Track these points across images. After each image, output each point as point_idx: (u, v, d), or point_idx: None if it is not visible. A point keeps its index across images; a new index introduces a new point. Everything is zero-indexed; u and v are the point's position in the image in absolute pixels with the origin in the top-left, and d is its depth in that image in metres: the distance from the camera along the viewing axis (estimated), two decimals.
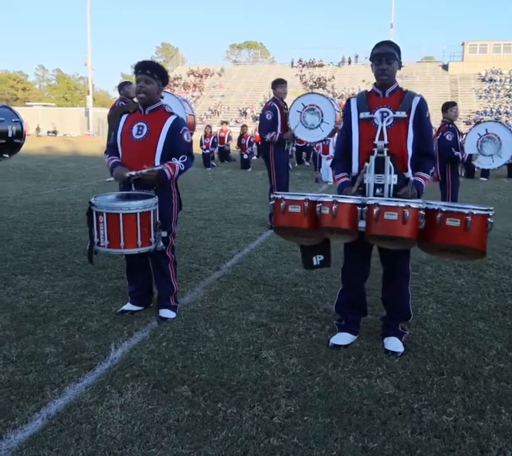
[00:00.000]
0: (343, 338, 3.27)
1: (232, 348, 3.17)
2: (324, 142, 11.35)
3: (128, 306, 3.71)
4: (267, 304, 3.92)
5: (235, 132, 18.82)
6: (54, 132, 41.12)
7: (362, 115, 3.14)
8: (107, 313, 3.68)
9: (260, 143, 7.49)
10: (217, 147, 16.72)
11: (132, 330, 3.40)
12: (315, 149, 13.23)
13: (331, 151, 11.75)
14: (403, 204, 2.78)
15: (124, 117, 3.55)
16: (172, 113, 3.49)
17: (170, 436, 2.30)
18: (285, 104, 6.79)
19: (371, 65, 3.15)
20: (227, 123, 19.47)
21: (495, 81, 46.49)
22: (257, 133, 17.28)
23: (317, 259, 3.33)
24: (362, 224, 2.89)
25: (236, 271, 4.76)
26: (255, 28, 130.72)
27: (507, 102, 42.94)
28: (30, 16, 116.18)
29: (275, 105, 6.64)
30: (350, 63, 54.29)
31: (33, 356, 3.00)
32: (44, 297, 3.97)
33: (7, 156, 3.91)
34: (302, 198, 3.00)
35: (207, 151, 15.51)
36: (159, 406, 2.53)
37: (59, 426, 2.36)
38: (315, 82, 48.47)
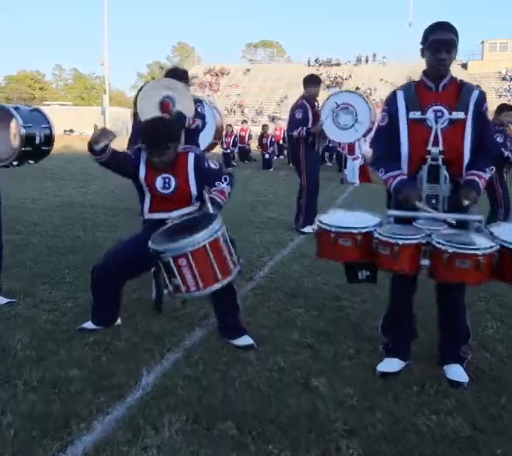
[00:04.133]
0: (391, 365, 2.88)
1: (276, 374, 2.83)
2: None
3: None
4: (309, 320, 3.57)
5: (252, 132, 18.52)
6: (71, 131, 41.09)
7: (412, 115, 2.73)
8: (134, 329, 3.36)
9: (287, 143, 7.12)
10: (237, 147, 16.38)
11: (163, 350, 3.07)
12: (339, 149, 12.84)
13: (357, 152, 11.37)
14: (478, 252, 2.39)
15: (143, 161, 3.16)
16: (187, 151, 3.22)
17: None
18: (316, 101, 6.44)
19: (422, 50, 2.70)
20: (247, 122, 19.08)
21: None
22: (278, 132, 17.01)
23: (362, 274, 2.96)
24: (425, 262, 2.54)
25: (270, 281, 4.41)
26: (271, 27, 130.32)
27: None
28: (47, 16, 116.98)
29: (306, 103, 6.28)
30: (367, 61, 53.73)
31: (57, 382, 2.69)
32: (66, 310, 3.66)
33: (32, 162, 3.56)
34: (355, 231, 2.63)
35: (228, 150, 15.17)
36: (201, 448, 2.19)
37: None
38: (331, 81, 47.97)
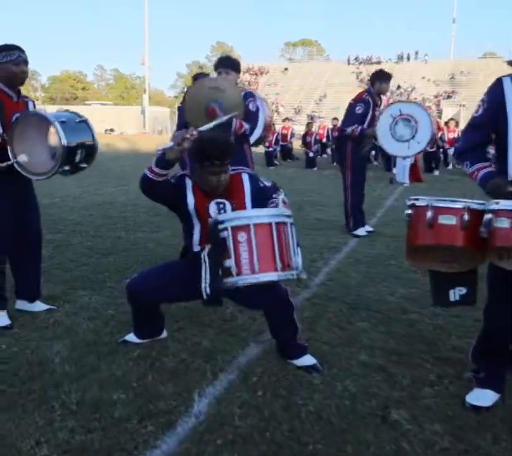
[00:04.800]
0: (483, 397, 2.43)
1: (348, 402, 2.44)
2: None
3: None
4: (377, 337, 3.16)
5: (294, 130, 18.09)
6: (111, 130, 41.50)
7: None
8: (182, 343, 3.03)
9: (334, 139, 6.62)
10: (280, 145, 15.98)
11: (216, 370, 2.72)
12: None
13: None
14: None
15: (189, 189, 2.74)
16: (240, 172, 2.83)
17: None
18: (381, 100, 5.99)
19: None
20: (289, 119, 18.66)
21: None
22: (321, 131, 16.55)
23: (456, 294, 2.48)
24: None
25: (328, 290, 4.02)
26: (311, 26, 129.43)
27: None
28: (89, 17, 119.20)
29: (370, 99, 5.83)
30: (409, 59, 52.58)
31: (98, 405, 2.37)
32: (107, 318, 3.35)
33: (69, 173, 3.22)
34: (460, 205, 2.21)
35: (270, 149, 14.77)
36: None
37: None
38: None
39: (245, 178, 2.81)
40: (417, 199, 2.34)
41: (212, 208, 2.71)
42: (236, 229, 2.33)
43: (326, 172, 13.66)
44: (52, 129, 2.95)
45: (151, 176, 2.67)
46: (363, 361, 2.84)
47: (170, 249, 5.06)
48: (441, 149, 13.63)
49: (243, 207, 2.74)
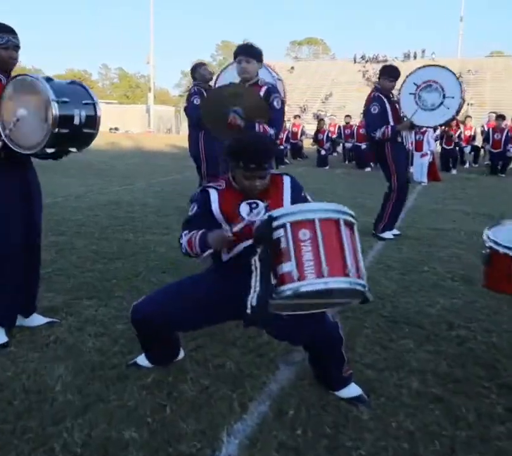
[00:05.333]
0: None
1: (407, 444, 2.03)
2: (417, 138, 10.03)
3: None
4: (425, 358, 2.75)
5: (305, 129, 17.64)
6: (116, 129, 41.14)
7: None
8: (203, 366, 2.62)
9: (368, 144, 6.14)
10: (290, 143, 15.53)
11: (244, 400, 2.32)
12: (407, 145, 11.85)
13: (426, 147, 10.37)
14: None
15: (214, 200, 2.30)
16: (280, 174, 2.40)
17: None
18: (391, 94, 5.57)
19: None
20: (300, 116, 18.21)
21: None
22: (332, 128, 16.10)
23: None
24: None
25: None
26: (316, 25, 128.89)
27: None
28: (93, 17, 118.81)
29: (380, 95, 5.42)
30: (415, 57, 52.04)
31: (107, 447, 1.97)
32: (116, 335, 2.95)
33: (75, 150, 2.72)
34: None
35: (281, 146, 14.32)
36: None
37: None
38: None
39: (286, 181, 2.38)
40: (496, 243, 1.93)
41: (243, 208, 2.31)
42: (296, 225, 1.91)
43: (337, 171, 13.24)
44: (38, 87, 2.51)
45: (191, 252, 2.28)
46: (416, 389, 2.43)
47: None
48: (457, 148, 13.19)
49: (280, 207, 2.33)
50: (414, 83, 5.42)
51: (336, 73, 50.85)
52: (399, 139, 5.42)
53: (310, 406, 2.27)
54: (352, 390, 2.36)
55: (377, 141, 5.41)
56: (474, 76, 46.15)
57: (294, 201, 2.33)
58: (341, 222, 1.95)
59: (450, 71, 5.43)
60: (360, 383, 2.42)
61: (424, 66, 5.61)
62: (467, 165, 14.36)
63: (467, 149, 14.22)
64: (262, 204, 2.29)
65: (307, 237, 1.89)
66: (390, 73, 5.47)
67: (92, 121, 2.67)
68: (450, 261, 4.67)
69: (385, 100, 5.42)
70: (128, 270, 4.16)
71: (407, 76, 5.52)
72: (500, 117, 12.72)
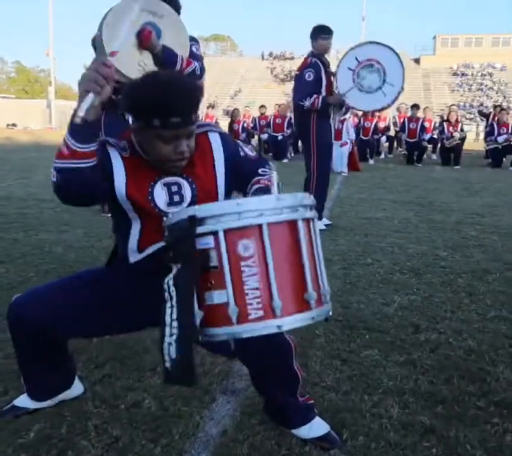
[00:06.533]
0: None
1: None
2: (336, 127, 9.66)
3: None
4: (399, 373, 2.19)
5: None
6: (14, 125, 38.33)
7: None
8: (111, 406, 1.90)
9: (293, 117, 5.51)
10: None
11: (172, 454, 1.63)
12: None
13: (345, 137, 10.04)
14: None
15: (118, 164, 1.57)
16: (206, 131, 1.66)
17: None
18: (328, 61, 5.05)
19: None
20: (213, 107, 17.50)
21: (466, 75, 46.10)
22: (246, 120, 15.52)
23: None
24: None
25: None
26: (221, 21, 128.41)
27: (479, 96, 42.43)
28: None
29: (317, 61, 4.87)
30: None
31: None
32: None
33: None
34: None
35: None
36: None
37: None
38: (286, 75, 46.93)
39: (215, 140, 1.66)
40: None
41: (159, 194, 1.57)
42: (234, 234, 1.25)
43: None
44: None
45: (72, 164, 1.48)
46: (398, 418, 1.86)
47: (84, 253, 3.89)
48: (373, 137, 13.12)
49: (214, 190, 1.63)
50: (356, 59, 4.87)
51: (244, 70, 50.64)
52: (331, 117, 4.91)
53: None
54: (317, 427, 1.73)
55: (304, 112, 4.86)
56: None
57: (232, 170, 1.66)
58: (299, 223, 1.31)
59: (399, 57, 4.93)
60: (324, 415, 1.81)
61: (372, 42, 5.03)
62: (382, 156, 14.37)
63: (383, 139, 14.24)
64: (186, 185, 1.60)
65: (251, 252, 1.24)
66: (320, 30, 4.87)
67: None
68: (393, 252, 4.21)
69: (322, 68, 4.86)
70: (12, 277, 3.30)
71: (350, 48, 4.96)
72: (415, 106, 12.79)
